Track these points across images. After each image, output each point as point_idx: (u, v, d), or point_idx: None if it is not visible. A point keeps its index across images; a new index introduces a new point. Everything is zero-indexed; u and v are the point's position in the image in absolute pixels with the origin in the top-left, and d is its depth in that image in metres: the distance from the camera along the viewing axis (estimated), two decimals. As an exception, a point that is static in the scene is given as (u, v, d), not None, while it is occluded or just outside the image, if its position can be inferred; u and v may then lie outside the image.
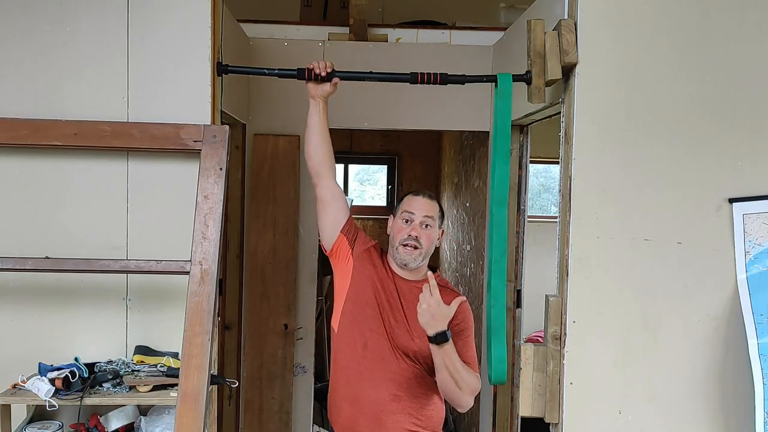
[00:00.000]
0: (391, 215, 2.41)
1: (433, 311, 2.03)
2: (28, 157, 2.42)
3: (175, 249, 2.36)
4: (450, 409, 5.03)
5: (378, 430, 2.24)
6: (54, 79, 2.42)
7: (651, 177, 2.33)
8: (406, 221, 2.30)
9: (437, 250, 6.52)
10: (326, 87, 2.35)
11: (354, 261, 2.35)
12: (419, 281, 2.34)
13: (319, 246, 2.85)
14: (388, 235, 2.39)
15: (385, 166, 6.93)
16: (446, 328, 2.05)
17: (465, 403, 2.20)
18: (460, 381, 2.13)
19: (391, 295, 2.29)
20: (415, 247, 2.28)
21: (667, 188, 2.33)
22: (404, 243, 2.28)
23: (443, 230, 2.39)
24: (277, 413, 3.59)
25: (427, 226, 2.30)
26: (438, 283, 2.36)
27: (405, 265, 2.30)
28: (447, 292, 2.35)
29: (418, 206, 2.31)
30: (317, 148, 2.35)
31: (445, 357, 2.09)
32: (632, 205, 2.33)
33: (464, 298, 2.36)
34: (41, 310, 2.43)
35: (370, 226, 6.69)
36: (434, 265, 2.47)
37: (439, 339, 2.05)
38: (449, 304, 2.28)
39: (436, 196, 2.39)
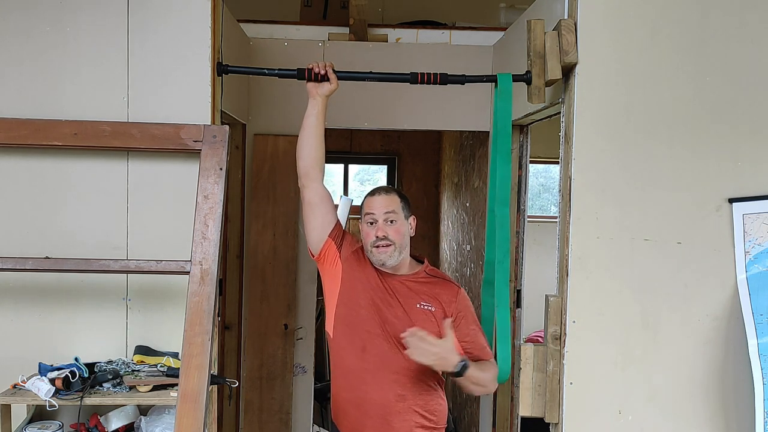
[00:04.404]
0: (359, 221, 2.39)
1: (442, 354, 2.06)
2: (28, 157, 2.43)
3: (175, 249, 2.36)
4: (449, 409, 5.02)
5: (386, 431, 2.24)
6: (54, 79, 2.43)
7: (651, 177, 2.33)
8: (370, 223, 2.29)
9: (437, 249, 6.48)
10: (326, 86, 2.34)
11: (342, 263, 2.33)
12: (408, 275, 2.33)
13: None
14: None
15: (385, 166, 6.92)
16: (460, 358, 2.10)
17: (490, 391, 2.32)
18: (488, 384, 2.24)
19: (385, 293, 2.28)
20: (387, 245, 2.26)
21: (667, 188, 2.34)
22: (375, 245, 2.27)
23: (414, 217, 2.36)
24: (277, 413, 3.59)
25: (391, 221, 2.28)
26: (428, 273, 2.35)
27: (384, 264, 2.29)
28: (441, 283, 2.35)
29: (377, 205, 2.29)
30: (311, 149, 2.32)
31: (469, 379, 2.14)
32: (632, 205, 2.33)
33: (459, 286, 2.36)
34: (41, 310, 2.44)
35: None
36: (418, 255, 2.44)
37: (461, 371, 2.10)
38: (447, 294, 2.30)
39: (397, 188, 2.36)
